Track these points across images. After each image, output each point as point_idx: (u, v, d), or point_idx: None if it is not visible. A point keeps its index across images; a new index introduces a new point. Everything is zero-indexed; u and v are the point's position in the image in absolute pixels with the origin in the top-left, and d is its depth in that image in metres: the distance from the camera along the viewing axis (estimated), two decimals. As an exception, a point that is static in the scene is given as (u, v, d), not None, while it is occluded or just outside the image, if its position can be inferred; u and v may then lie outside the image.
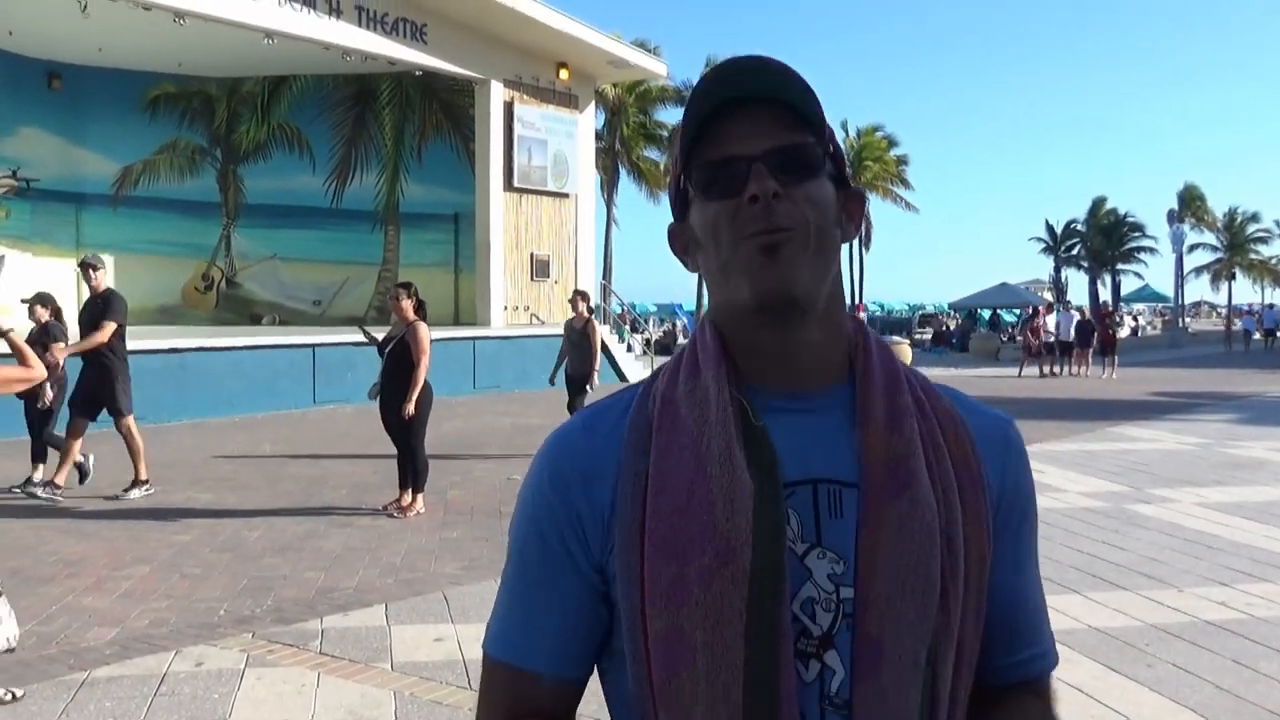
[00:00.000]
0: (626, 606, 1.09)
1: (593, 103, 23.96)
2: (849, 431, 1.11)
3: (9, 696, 4.53)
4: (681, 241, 1.20)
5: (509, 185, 21.15)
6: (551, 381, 12.21)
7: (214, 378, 15.30)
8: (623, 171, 39.85)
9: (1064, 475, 10.58)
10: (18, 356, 4.90)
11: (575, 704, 1.19)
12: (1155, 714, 4.54)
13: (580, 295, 12.15)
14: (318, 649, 5.33)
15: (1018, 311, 51.88)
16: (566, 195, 22.46)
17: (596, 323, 11.95)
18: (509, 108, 21.06)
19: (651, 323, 47.28)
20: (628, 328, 33.42)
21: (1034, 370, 26.14)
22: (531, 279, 21.80)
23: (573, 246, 22.78)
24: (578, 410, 9.95)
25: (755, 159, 1.07)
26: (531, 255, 21.77)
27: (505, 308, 21.21)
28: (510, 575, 1.18)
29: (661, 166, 40.90)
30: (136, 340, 15.15)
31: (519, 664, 1.15)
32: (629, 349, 23.84)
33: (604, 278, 32.72)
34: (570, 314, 12.14)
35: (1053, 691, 1.24)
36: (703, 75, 1.13)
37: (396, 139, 22.80)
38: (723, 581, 1.03)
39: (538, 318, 21.84)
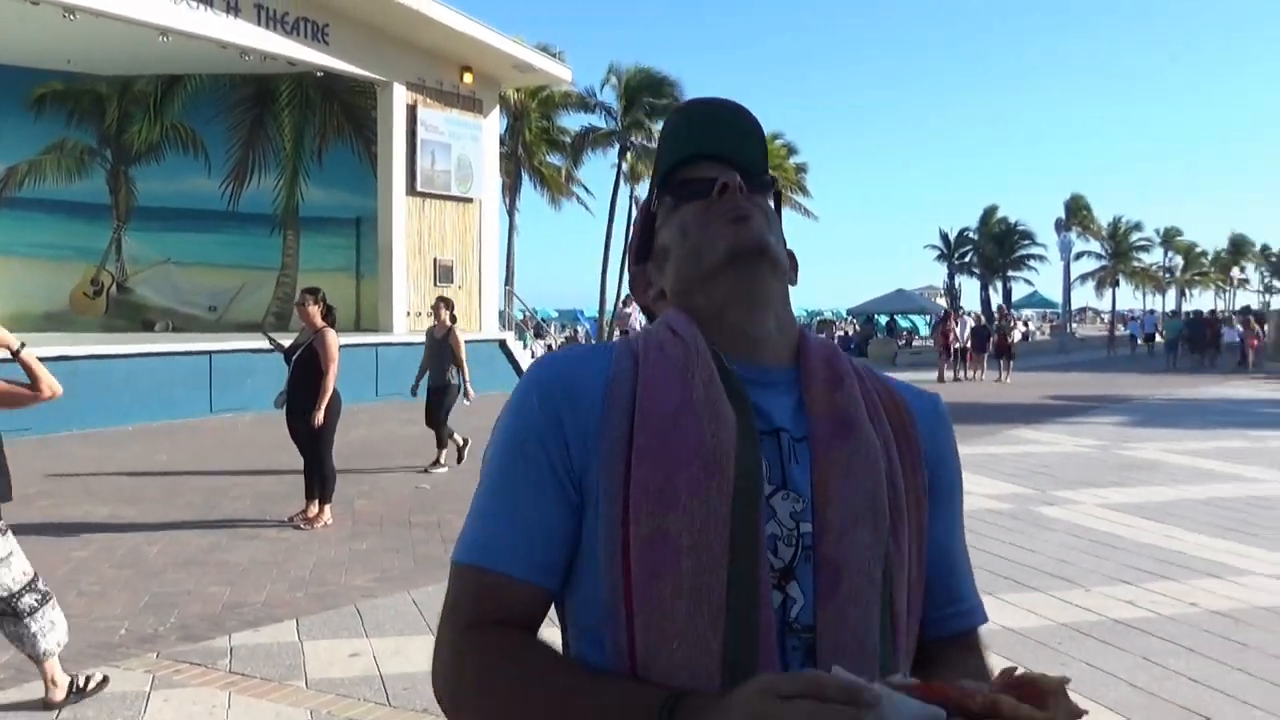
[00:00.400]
0: (608, 516, 1.13)
1: (497, 107, 23.75)
2: (799, 399, 1.24)
3: (101, 678, 4.71)
4: (643, 280, 1.38)
5: (412, 189, 20.83)
6: (413, 393, 11.54)
7: (106, 386, 14.76)
8: (525, 176, 39.63)
9: (969, 478, 10.63)
10: (30, 376, 4.64)
11: (542, 615, 1.20)
12: (1073, 714, 4.61)
13: (443, 302, 11.68)
14: (227, 667, 5.15)
15: (914, 317, 52.97)
16: (470, 200, 22.21)
17: (459, 332, 11.48)
18: (412, 111, 20.75)
19: (553, 328, 47.22)
20: (530, 333, 33.26)
21: (948, 374, 26.55)
22: (435, 284, 21.48)
23: (477, 251, 22.52)
24: (441, 423, 9.52)
25: (729, 173, 1.29)
26: (435, 260, 21.47)
27: (408, 313, 20.88)
28: (487, 488, 1.21)
29: (563, 172, 40.79)
30: (23, 347, 14.59)
31: (489, 566, 1.17)
32: (533, 355, 23.68)
33: (507, 283, 32.49)
34: (432, 321, 11.77)
35: (984, 645, 1.34)
36: (675, 118, 1.36)
37: (296, 141, 22.27)
38: (709, 491, 1.11)
39: (441, 324, 21.57)
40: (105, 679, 4.73)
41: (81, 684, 4.65)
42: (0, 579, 4.45)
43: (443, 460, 11.19)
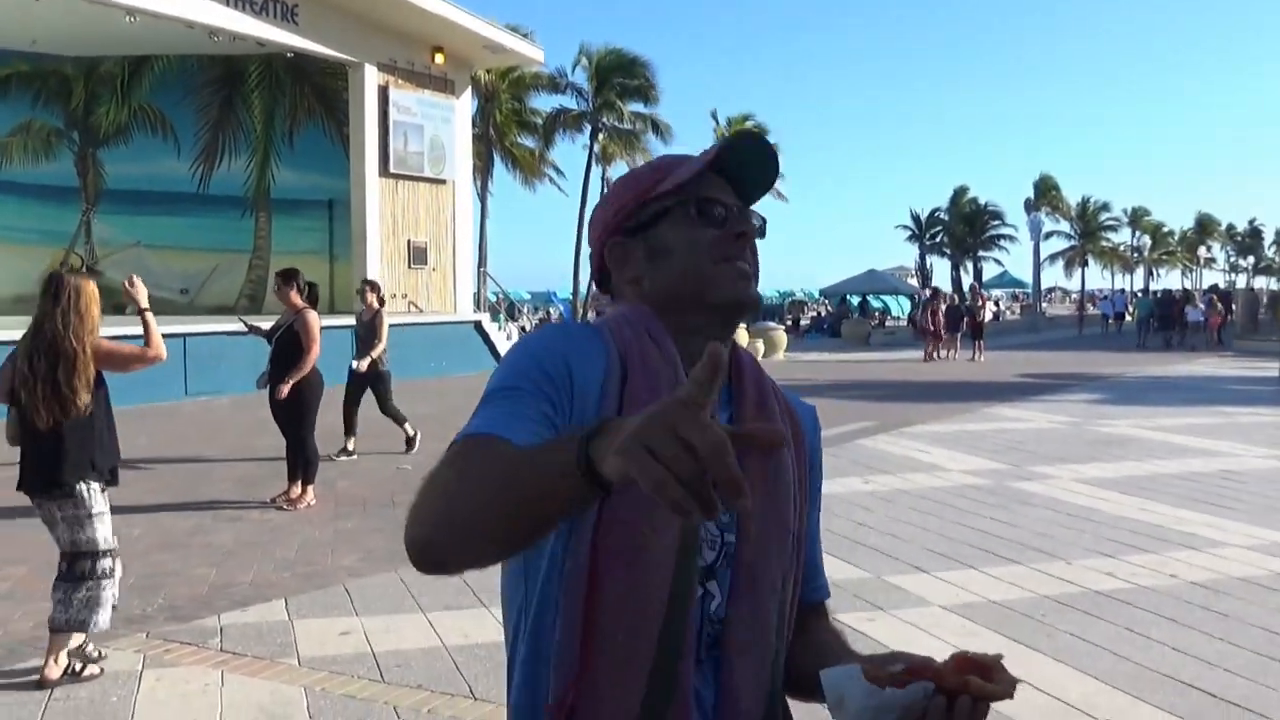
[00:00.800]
0: None
1: (469, 88, 23.65)
2: (730, 416, 1.38)
3: (99, 670, 4.75)
4: (623, 252, 1.42)
5: (385, 171, 20.75)
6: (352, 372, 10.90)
7: (78, 370, 14.60)
8: (496, 158, 39.47)
9: (947, 455, 10.86)
10: (145, 335, 5.01)
11: None
12: (1060, 682, 4.68)
13: (369, 285, 11.26)
14: (218, 646, 5.14)
15: (885, 298, 53.19)
16: (444, 181, 22.13)
17: (385, 314, 10.93)
18: (384, 92, 20.64)
19: (526, 310, 47.11)
20: (503, 315, 33.19)
21: (932, 353, 26.61)
22: (409, 266, 21.43)
23: (450, 233, 22.47)
24: (387, 403, 9.23)
25: (745, 210, 1.42)
26: (409, 242, 21.40)
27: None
28: (486, 399, 1.27)
29: (535, 154, 40.65)
30: (-8, 331, 14.42)
31: (486, 432, 1.20)
32: (508, 337, 23.63)
33: (480, 265, 32.38)
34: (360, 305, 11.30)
35: (831, 611, 1.59)
36: (730, 137, 1.42)
37: (266, 123, 22.11)
38: None
39: (416, 306, 21.49)
40: (102, 671, 4.74)
41: (78, 669, 4.68)
42: (95, 532, 4.71)
43: (411, 431, 11.03)
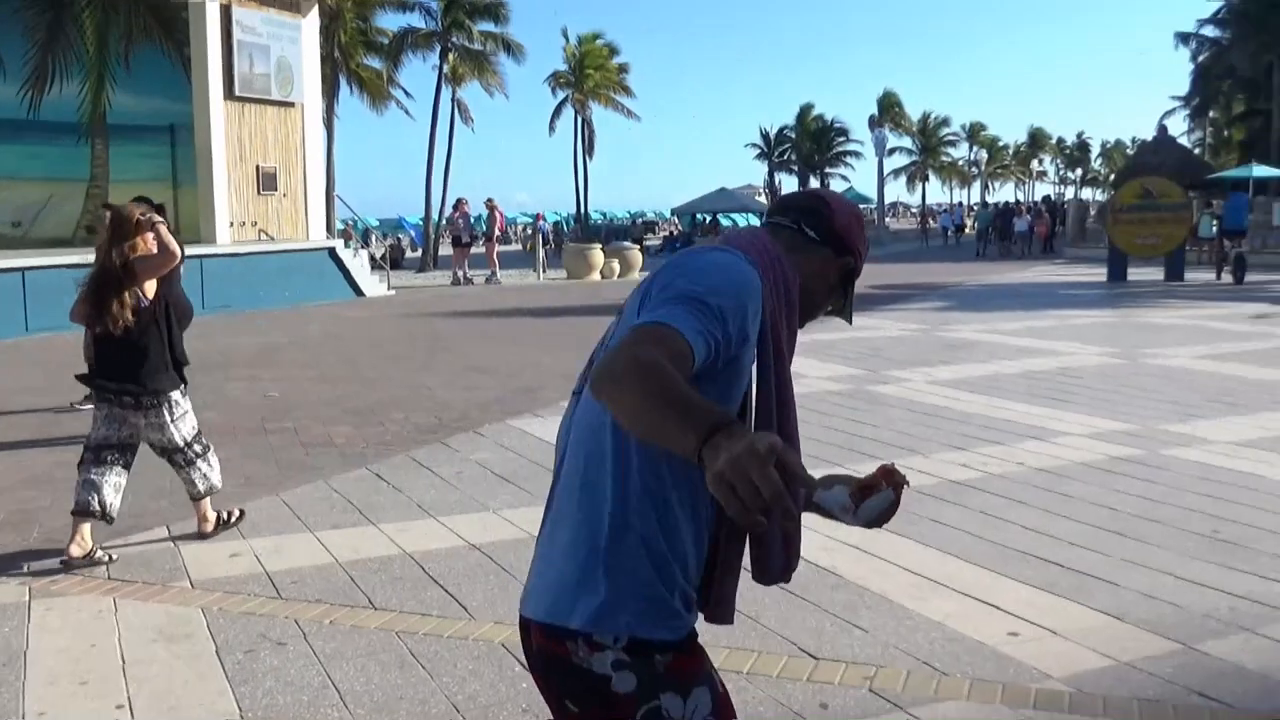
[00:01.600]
0: (760, 366, 1.88)
1: (315, 7, 22.88)
2: None
3: (239, 513, 5.87)
4: (844, 268, 2.05)
5: (230, 94, 19.98)
6: None
7: (-90, 308, 13.93)
8: (342, 81, 38.29)
9: (805, 363, 11.24)
10: (159, 242, 5.55)
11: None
12: (925, 562, 5.04)
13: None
14: (105, 575, 5.12)
15: (734, 215, 53.86)
16: (292, 104, 21.47)
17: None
18: (226, 11, 19.80)
19: (375, 237, 46.22)
20: (356, 241, 32.50)
21: None
22: (258, 193, 20.81)
23: (300, 158, 21.86)
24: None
25: None
26: (257, 168, 20.74)
27: (231, 224, 20.20)
28: (689, 298, 1.70)
29: (383, 76, 39.60)
30: None
31: (675, 325, 1.64)
32: (362, 265, 23.18)
33: (330, 189, 31.56)
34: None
35: None
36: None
37: (100, 45, 20.95)
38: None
39: (266, 233, 20.93)
40: (242, 513, 5.85)
41: (225, 517, 5.71)
42: (181, 430, 5.52)
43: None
